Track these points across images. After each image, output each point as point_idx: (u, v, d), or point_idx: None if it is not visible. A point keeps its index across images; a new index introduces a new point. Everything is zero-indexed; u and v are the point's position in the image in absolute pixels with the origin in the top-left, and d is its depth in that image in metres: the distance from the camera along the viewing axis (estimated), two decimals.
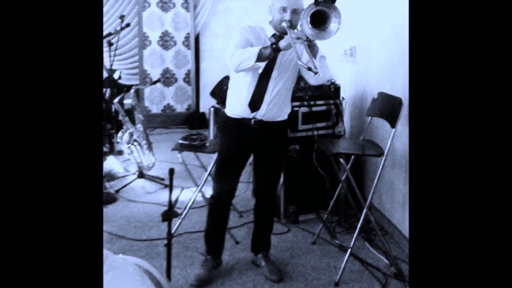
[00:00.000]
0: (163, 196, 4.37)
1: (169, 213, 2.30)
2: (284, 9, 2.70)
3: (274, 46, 2.59)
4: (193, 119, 7.22)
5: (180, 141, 3.63)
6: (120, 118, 4.87)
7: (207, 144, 3.61)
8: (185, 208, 3.62)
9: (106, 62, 5.31)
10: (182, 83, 7.35)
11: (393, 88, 3.46)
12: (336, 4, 2.55)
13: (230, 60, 2.67)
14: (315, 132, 3.81)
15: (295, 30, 2.65)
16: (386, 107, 3.23)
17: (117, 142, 5.10)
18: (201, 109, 7.40)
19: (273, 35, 2.81)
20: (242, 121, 2.87)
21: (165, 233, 2.53)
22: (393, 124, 3.07)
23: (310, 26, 2.55)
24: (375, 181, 3.15)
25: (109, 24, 6.75)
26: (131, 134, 4.82)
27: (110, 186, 4.62)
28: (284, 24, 2.67)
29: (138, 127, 4.83)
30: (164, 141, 6.28)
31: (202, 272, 3.06)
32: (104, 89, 5.10)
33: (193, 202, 3.63)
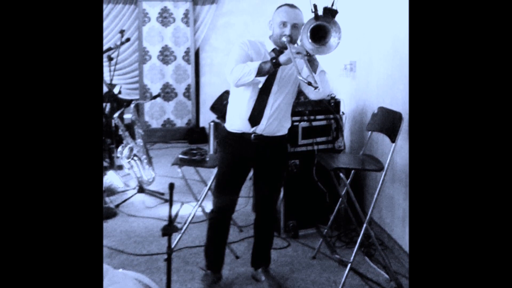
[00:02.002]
0: (163, 210, 4.37)
1: (169, 228, 2.29)
2: (284, 24, 2.71)
3: (274, 60, 2.59)
4: (193, 134, 7.23)
5: (180, 156, 3.63)
6: (120, 132, 4.88)
7: (207, 159, 3.61)
8: (185, 223, 3.60)
9: (106, 76, 5.33)
10: (182, 97, 7.36)
11: (393, 103, 3.46)
12: (336, 19, 2.57)
13: (230, 75, 2.68)
14: (315, 147, 3.81)
15: (295, 45, 2.66)
16: (386, 121, 3.24)
17: (117, 157, 5.11)
18: (201, 124, 7.41)
19: (273, 50, 2.81)
20: (242, 136, 2.87)
21: (165, 247, 2.52)
22: (393, 138, 3.08)
23: (310, 40, 2.56)
24: (375, 196, 3.14)
25: (109, 38, 6.79)
26: (131, 149, 4.83)
27: (110, 201, 4.61)
28: (284, 39, 2.68)
29: (138, 142, 4.83)
30: (164, 155, 6.28)
31: (202, 287, 3.05)
32: (104, 104, 5.12)
33: (193, 217, 3.62)
